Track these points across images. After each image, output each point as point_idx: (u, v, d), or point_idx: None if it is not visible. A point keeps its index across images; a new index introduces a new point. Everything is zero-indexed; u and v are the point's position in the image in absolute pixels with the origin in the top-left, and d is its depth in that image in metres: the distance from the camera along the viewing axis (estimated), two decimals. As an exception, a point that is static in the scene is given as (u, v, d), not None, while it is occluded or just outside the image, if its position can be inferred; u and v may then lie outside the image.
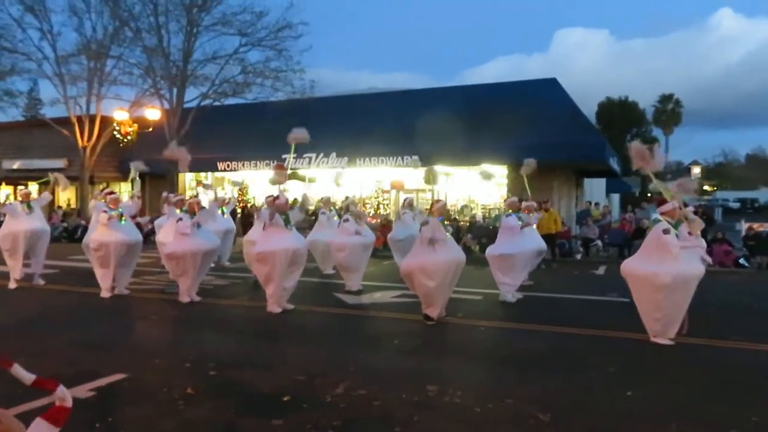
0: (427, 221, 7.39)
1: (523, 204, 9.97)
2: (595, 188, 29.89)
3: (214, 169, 22.90)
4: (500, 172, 20.13)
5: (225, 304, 8.89)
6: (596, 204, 21.31)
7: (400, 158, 19.64)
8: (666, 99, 56.39)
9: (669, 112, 56.20)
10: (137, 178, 11.09)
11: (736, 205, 46.92)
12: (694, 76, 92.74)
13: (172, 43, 21.96)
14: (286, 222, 8.16)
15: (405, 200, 12.47)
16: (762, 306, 9.11)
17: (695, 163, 73.81)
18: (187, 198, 10.18)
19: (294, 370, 5.26)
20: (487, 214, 20.53)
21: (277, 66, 21.82)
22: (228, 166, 22.33)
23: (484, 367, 5.64)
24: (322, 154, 20.55)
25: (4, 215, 10.92)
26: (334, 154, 20.43)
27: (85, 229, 17.74)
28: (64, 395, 1.58)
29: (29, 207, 10.52)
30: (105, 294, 9.36)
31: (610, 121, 52.65)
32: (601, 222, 17.56)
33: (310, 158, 20.71)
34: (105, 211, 9.28)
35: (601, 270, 13.66)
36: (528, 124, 18.49)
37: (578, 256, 15.70)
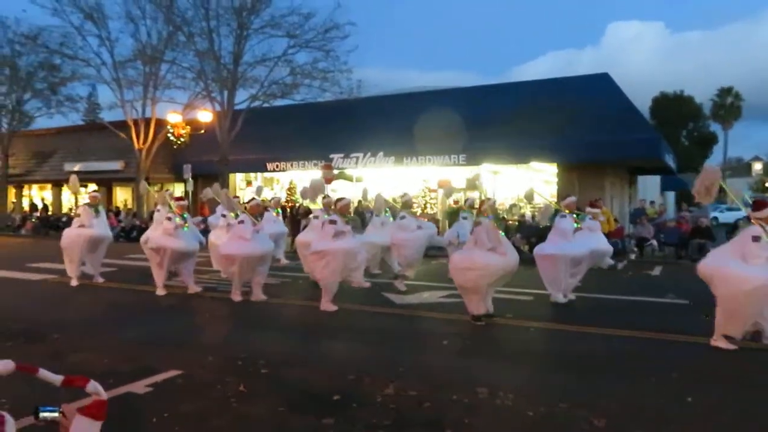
0: (480, 221, 7.33)
1: (588, 209, 9.76)
2: (649, 186, 28.99)
3: (263, 169, 23.32)
4: (550, 170, 19.78)
5: (276, 303, 9.02)
6: (651, 202, 20.63)
7: (447, 157, 19.54)
8: (725, 92, 54.07)
9: (728, 106, 53.85)
10: (190, 178, 11.43)
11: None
12: (754, 68, 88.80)
13: (223, 47, 22.46)
14: (361, 223, 8.53)
15: (468, 201, 12.13)
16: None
17: (757, 158, 70.60)
18: (247, 200, 10.37)
19: (344, 369, 5.28)
20: (536, 214, 20.18)
21: (325, 66, 22.02)
22: (277, 166, 22.70)
23: (535, 370, 5.53)
24: (369, 154, 20.63)
25: (77, 216, 11.41)
26: (381, 154, 20.48)
27: (141, 229, 18.37)
28: (97, 390, 1.60)
29: (96, 211, 10.93)
30: (160, 292, 9.65)
31: (665, 117, 51.02)
32: (657, 221, 17.00)
33: (357, 158, 20.82)
34: (170, 218, 9.58)
35: (656, 270, 13.22)
36: (579, 121, 18.09)
37: (632, 256, 15.23)
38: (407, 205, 10.81)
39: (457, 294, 8.44)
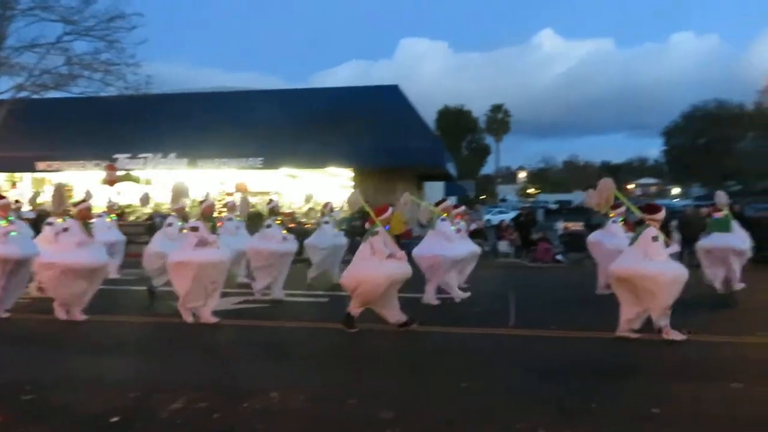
0: (377, 231, 7.10)
1: (454, 210, 9.99)
2: (434, 191, 31.52)
3: (32, 169, 20.55)
4: (347, 175, 20.47)
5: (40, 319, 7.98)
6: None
7: (244, 160, 19.16)
8: (496, 109, 61.22)
9: (499, 120, 61.02)
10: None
11: (555, 206, 52.07)
12: (521, 88, 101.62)
13: (-20, 26, 19.35)
14: (213, 229, 7.72)
15: (326, 205, 11.87)
16: (577, 297, 10.14)
17: (522, 168, 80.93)
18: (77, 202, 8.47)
19: (126, 388, 4.87)
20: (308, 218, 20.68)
21: (108, 58, 20.12)
22: (49, 166, 20.12)
23: (324, 369, 5.66)
24: (160, 154, 19.37)
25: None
26: (173, 155, 19.35)
27: None
28: None
29: None
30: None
31: (448, 128, 55.95)
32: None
33: (146, 158, 19.42)
34: None
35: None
36: (372, 128, 19.01)
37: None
38: (274, 212, 9.93)
39: (253, 300, 8.36)
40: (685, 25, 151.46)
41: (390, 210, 7.57)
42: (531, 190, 70.84)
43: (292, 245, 9.64)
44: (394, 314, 7.13)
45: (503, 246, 16.84)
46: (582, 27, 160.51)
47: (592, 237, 10.25)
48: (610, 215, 9.79)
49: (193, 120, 20.01)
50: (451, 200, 13.80)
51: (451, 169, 22.33)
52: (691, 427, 4.12)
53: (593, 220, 16.73)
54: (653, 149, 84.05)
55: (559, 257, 15.95)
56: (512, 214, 24.01)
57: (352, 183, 20.05)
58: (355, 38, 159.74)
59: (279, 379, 5.18)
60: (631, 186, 72.24)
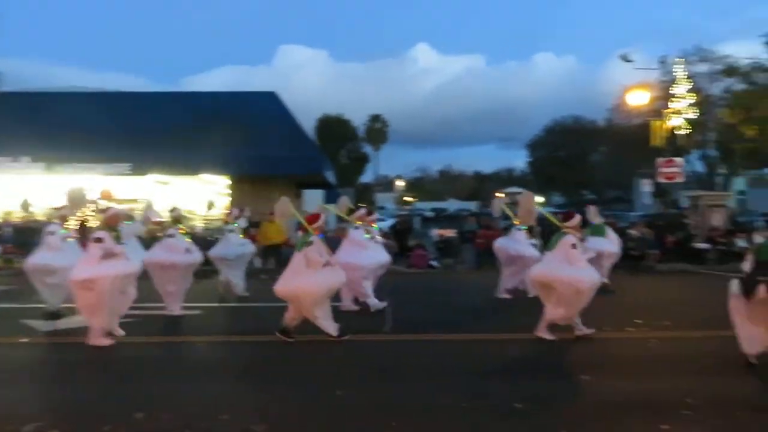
0: (311, 241, 6.90)
1: (369, 217, 9.91)
2: (313, 199, 31.44)
3: None
4: (223, 182, 19.88)
5: None
6: (314, 214, 22.40)
7: (110, 165, 17.98)
8: (374, 119, 62.33)
9: (377, 130, 62.18)
10: None
11: (431, 214, 54.02)
12: (398, 99, 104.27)
13: None
14: (118, 240, 6.97)
15: (233, 212, 11.32)
16: (451, 301, 10.60)
17: (399, 177, 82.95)
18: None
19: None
20: (209, 225, 20.00)
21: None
22: None
23: (198, 384, 5.44)
24: (10, 158, 17.67)
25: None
26: (27, 159, 17.73)
27: None
28: None
29: None
30: None
31: (328, 136, 56.10)
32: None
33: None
34: None
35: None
36: (249, 136, 18.62)
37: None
38: (177, 220, 9.26)
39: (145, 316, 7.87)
40: (546, 46, 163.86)
41: (323, 218, 7.50)
42: (408, 199, 72.88)
43: (195, 256, 9.09)
44: (328, 324, 7.05)
45: (381, 253, 17.16)
46: (455, 43, 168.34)
47: (498, 243, 10.86)
48: (515, 223, 10.47)
49: (50, 122, 18.43)
50: (332, 208, 13.80)
51: (331, 177, 22.44)
52: (550, 419, 4.45)
53: (465, 227, 17.60)
54: (519, 160, 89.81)
55: (433, 263, 16.55)
56: (390, 222, 24.58)
57: (228, 191, 19.53)
58: (230, 42, 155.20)
59: (148, 398, 4.91)
60: (500, 194, 76.58)
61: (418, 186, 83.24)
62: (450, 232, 18.40)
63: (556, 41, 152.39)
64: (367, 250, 9.16)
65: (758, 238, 17.97)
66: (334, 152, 55.74)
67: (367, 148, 62.72)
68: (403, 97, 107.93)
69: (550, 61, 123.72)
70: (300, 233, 7.56)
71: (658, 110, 21.91)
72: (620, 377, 5.56)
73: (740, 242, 16.53)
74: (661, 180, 20.49)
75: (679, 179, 20.88)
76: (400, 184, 76.42)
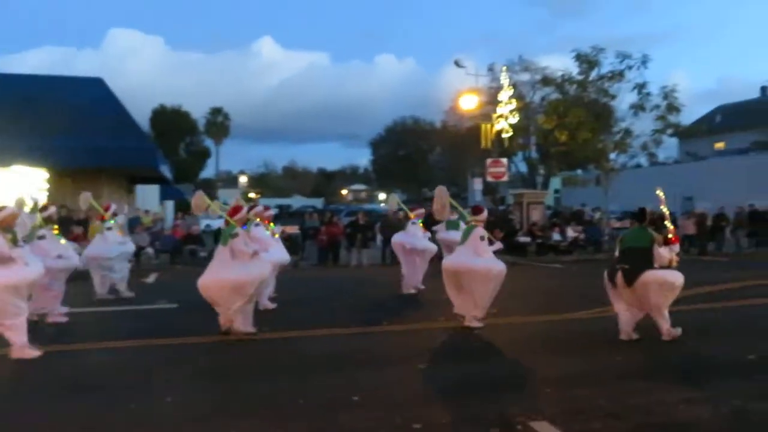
0: (237, 233, 6.89)
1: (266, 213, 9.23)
2: (149, 195, 29.49)
3: None
4: (40, 175, 17.86)
5: None
6: (146, 211, 21.01)
7: None
8: (216, 112, 60.00)
9: (219, 124, 59.94)
10: None
11: (276, 211, 53.29)
12: (242, 92, 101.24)
13: None
14: (14, 242, 6.03)
15: (108, 208, 10.06)
16: (312, 296, 10.58)
17: (242, 172, 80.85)
18: None
19: None
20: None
21: None
22: None
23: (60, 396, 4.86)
24: None
25: None
26: None
27: None
28: None
29: None
30: None
31: (164, 129, 52.96)
32: (153, 229, 17.43)
33: None
34: None
35: (151, 278, 13.51)
36: (72, 125, 16.95)
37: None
38: (50, 220, 8.15)
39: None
40: (389, 48, 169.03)
41: (245, 209, 7.40)
42: (252, 195, 71.25)
43: (72, 259, 8.20)
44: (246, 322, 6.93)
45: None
46: (301, 39, 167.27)
47: (395, 238, 11.02)
48: (411, 217, 10.67)
49: None
50: (169, 204, 13.12)
51: (166, 171, 21.15)
52: (385, 411, 4.58)
53: (307, 224, 17.63)
54: (363, 158, 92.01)
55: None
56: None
57: (47, 185, 17.62)
58: (50, 20, 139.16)
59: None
60: (344, 191, 77.83)
61: (262, 182, 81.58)
62: (293, 229, 18.30)
63: (397, 44, 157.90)
64: (270, 247, 8.85)
65: (571, 232, 20.13)
66: (173, 146, 52.80)
67: (208, 143, 60.18)
68: (246, 90, 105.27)
69: (392, 63, 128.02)
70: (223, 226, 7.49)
71: (487, 114, 23.65)
72: (452, 364, 5.92)
73: (555, 236, 18.48)
74: (490, 179, 22.13)
75: (505, 178, 22.72)
76: (243, 180, 74.53)
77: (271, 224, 9.62)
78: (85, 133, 16.93)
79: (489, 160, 21.88)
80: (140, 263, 15.75)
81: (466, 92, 24.25)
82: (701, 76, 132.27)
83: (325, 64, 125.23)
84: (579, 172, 36.00)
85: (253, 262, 6.88)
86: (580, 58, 20.14)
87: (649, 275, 6.42)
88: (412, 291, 10.51)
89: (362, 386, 5.08)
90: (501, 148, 22.85)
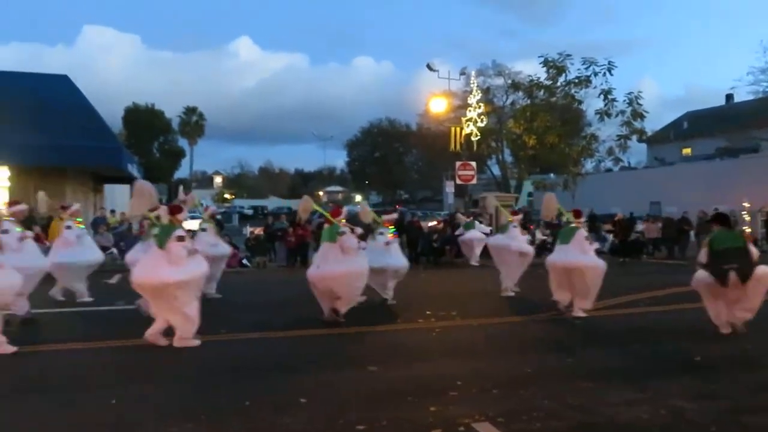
0: (344, 231, 7.70)
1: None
2: (118, 195, 29.03)
3: None
4: (2, 173, 17.50)
5: None
6: (112, 211, 20.68)
7: None
8: (190, 111, 59.41)
9: (193, 124, 59.36)
10: None
11: (251, 212, 52.94)
12: (216, 93, 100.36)
13: None
14: None
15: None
16: (259, 300, 10.48)
17: (217, 173, 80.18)
18: None
19: None
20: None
21: None
22: None
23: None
24: None
25: None
26: None
27: None
28: None
29: None
30: None
31: (138, 128, 52.31)
32: (119, 229, 17.16)
33: None
34: None
35: (115, 279, 13.30)
36: (37, 121, 16.61)
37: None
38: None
39: None
40: (366, 51, 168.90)
41: (345, 210, 8.10)
42: (227, 196, 70.59)
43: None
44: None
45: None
46: (279, 40, 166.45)
47: (495, 240, 11.56)
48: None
49: None
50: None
51: (134, 171, 20.82)
52: (330, 413, 4.58)
53: (275, 225, 17.53)
54: (340, 160, 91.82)
55: (244, 261, 16.23)
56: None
57: (8, 183, 17.26)
58: (18, 15, 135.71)
59: None
60: (320, 193, 77.68)
61: (237, 182, 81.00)
62: (261, 230, 18.22)
63: (375, 47, 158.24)
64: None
65: (539, 234, 20.33)
66: (146, 145, 52.20)
67: (183, 142, 59.53)
68: (223, 90, 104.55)
69: (369, 66, 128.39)
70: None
71: (458, 118, 23.83)
72: (404, 366, 5.93)
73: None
74: (459, 182, 22.27)
75: (474, 181, 22.87)
76: (218, 180, 73.92)
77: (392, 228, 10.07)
78: (49, 130, 16.59)
79: (458, 163, 22.02)
80: (105, 264, 15.51)
81: (436, 96, 24.39)
82: (670, 83, 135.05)
83: (304, 66, 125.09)
84: (552, 176, 36.48)
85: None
86: (547, 63, 20.42)
87: (762, 270, 6.80)
88: (510, 293, 10.48)
89: (311, 388, 5.08)
90: (470, 151, 23.01)
